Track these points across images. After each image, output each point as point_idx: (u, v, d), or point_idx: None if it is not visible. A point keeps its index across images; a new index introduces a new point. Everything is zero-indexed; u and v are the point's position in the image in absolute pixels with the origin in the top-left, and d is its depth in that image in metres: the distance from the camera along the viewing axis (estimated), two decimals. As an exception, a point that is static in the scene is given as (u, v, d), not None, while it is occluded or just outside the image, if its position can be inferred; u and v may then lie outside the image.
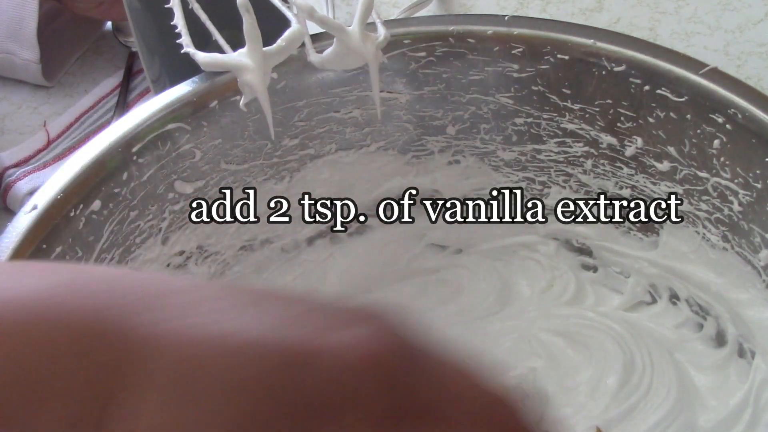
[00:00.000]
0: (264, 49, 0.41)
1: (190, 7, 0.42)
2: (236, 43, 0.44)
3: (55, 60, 0.75)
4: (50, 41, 0.73)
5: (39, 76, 0.72)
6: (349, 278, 0.59)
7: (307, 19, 0.41)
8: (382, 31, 0.44)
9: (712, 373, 0.51)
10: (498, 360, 0.55)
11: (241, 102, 0.42)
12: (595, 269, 0.58)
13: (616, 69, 0.48)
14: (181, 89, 0.50)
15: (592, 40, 0.49)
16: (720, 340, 0.52)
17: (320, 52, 0.44)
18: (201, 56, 0.41)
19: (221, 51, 0.43)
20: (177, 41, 0.42)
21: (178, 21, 0.42)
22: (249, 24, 0.39)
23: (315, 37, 0.45)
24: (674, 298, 0.54)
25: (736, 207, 0.47)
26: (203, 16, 0.42)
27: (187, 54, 0.42)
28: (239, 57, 0.41)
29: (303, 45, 0.45)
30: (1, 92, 0.76)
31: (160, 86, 0.56)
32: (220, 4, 0.43)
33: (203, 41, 0.42)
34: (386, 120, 0.54)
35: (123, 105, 0.72)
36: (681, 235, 0.51)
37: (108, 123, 0.70)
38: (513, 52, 0.50)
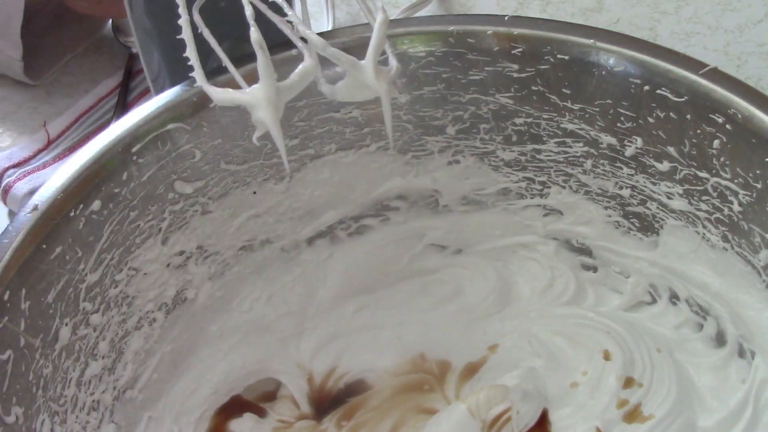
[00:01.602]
0: (277, 84, 0.41)
1: (199, 31, 0.42)
2: (238, 51, 0.44)
3: (41, 59, 0.75)
4: (36, 40, 0.74)
5: (21, 73, 0.73)
6: (349, 278, 0.59)
7: (320, 53, 0.41)
8: (393, 63, 0.44)
9: (712, 373, 0.51)
10: (498, 360, 0.55)
11: (254, 136, 0.42)
12: (595, 269, 0.58)
13: (616, 69, 0.48)
14: (181, 89, 0.50)
15: (592, 40, 0.49)
16: (720, 340, 0.52)
17: (331, 82, 0.44)
18: (215, 92, 0.42)
19: (221, 63, 0.42)
20: (190, 74, 0.42)
21: (191, 54, 0.42)
22: (263, 61, 0.40)
23: (324, 64, 0.45)
24: (674, 298, 0.54)
25: (736, 207, 0.47)
26: (212, 41, 0.42)
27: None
28: (252, 93, 0.41)
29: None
30: (1, 92, 0.76)
31: (160, 86, 0.56)
32: (221, 15, 0.43)
33: (204, 52, 0.42)
34: (386, 120, 0.55)
35: (123, 105, 0.72)
36: (681, 235, 0.51)
37: (108, 123, 0.70)
38: (513, 52, 0.50)
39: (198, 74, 0.42)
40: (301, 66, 0.42)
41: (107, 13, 0.75)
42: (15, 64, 0.72)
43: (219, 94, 0.42)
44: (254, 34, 0.39)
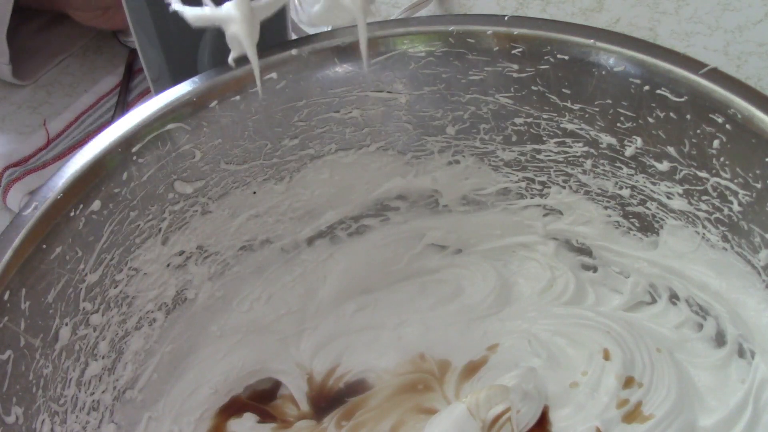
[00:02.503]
0: (252, 2, 0.40)
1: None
2: None
3: (32, 60, 0.75)
4: (27, 42, 0.74)
5: (9, 75, 0.73)
6: (349, 278, 0.59)
7: None
8: None
9: (712, 373, 0.51)
10: (498, 360, 0.55)
11: (230, 57, 0.42)
12: (594, 269, 0.58)
13: (616, 69, 0.48)
14: (181, 89, 0.50)
15: (592, 40, 0.49)
16: (720, 340, 0.52)
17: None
18: (189, 11, 0.41)
19: (236, 56, 0.42)
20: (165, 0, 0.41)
21: None
22: None
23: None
24: (674, 298, 0.54)
25: (735, 207, 0.47)
26: None
27: (187, 53, 0.42)
28: (227, 9, 0.40)
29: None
30: (1, 92, 0.76)
31: (160, 86, 0.56)
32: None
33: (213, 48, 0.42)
34: (386, 120, 0.54)
35: (123, 105, 0.72)
36: (681, 235, 0.51)
37: (108, 123, 0.70)
38: (513, 52, 0.50)
39: None
40: None
41: (110, 25, 0.75)
42: (2, 67, 0.72)
43: (193, 12, 0.41)
44: None
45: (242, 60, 0.45)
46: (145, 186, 0.49)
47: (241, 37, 0.40)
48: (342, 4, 0.41)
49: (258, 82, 0.42)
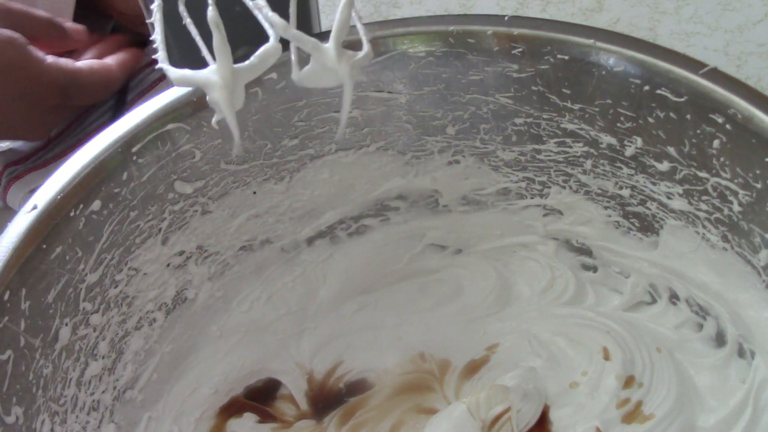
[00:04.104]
0: (235, 66, 0.39)
1: (183, 23, 0.42)
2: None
3: None
4: None
5: None
6: (349, 278, 0.59)
7: (281, 35, 0.40)
8: (366, 48, 0.42)
9: (712, 373, 0.51)
10: (498, 360, 0.55)
11: (213, 120, 0.41)
12: (595, 269, 0.58)
13: (616, 69, 0.48)
14: (181, 89, 0.50)
15: (592, 40, 0.49)
16: (720, 340, 0.52)
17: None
18: (172, 72, 0.40)
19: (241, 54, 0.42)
20: (153, 56, 0.41)
21: (157, 36, 0.41)
22: (218, 40, 0.38)
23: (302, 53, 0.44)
24: (674, 298, 0.54)
25: (735, 207, 0.47)
26: (194, 31, 0.42)
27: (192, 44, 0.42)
28: (208, 74, 0.40)
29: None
30: (1, 92, 0.76)
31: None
32: (236, 21, 0.43)
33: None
34: (386, 120, 0.54)
35: (123, 104, 0.72)
36: (681, 235, 0.51)
37: (108, 123, 0.70)
38: (513, 52, 0.50)
39: (161, 55, 0.41)
40: (262, 48, 0.40)
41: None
42: None
43: (175, 74, 0.41)
44: (211, 12, 0.38)
45: (243, 58, 0.45)
46: (145, 186, 0.49)
47: (221, 104, 0.39)
48: (329, 70, 0.41)
49: (236, 144, 0.42)
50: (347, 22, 0.41)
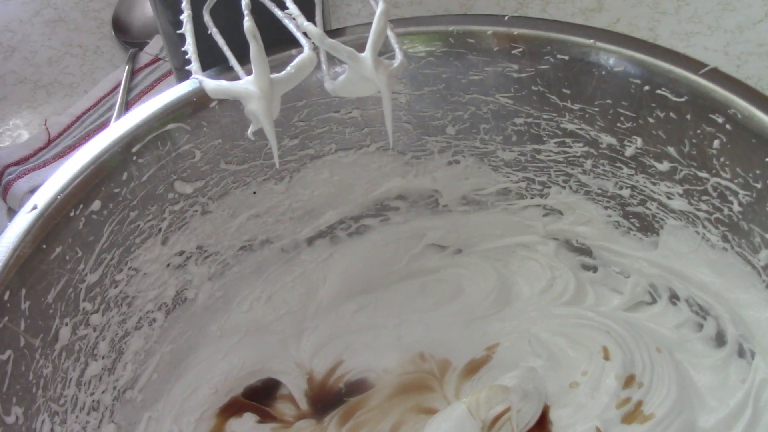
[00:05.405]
0: (272, 76, 0.39)
1: (209, 32, 0.42)
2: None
3: None
4: None
5: None
6: (349, 278, 0.59)
7: (317, 45, 0.40)
8: (399, 57, 0.42)
9: (712, 373, 0.51)
10: (498, 360, 0.55)
11: (249, 130, 0.41)
12: (595, 269, 0.58)
13: (616, 69, 0.48)
14: (181, 89, 0.50)
15: (592, 40, 0.49)
16: (720, 340, 0.52)
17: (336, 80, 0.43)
18: (208, 83, 0.41)
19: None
20: (186, 67, 0.41)
21: (189, 47, 0.41)
22: (256, 51, 0.38)
23: (334, 62, 0.43)
24: (674, 298, 0.54)
25: (735, 207, 0.47)
26: (221, 41, 0.42)
27: (211, 43, 0.42)
28: (246, 84, 0.40)
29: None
30: (2, 92, 0.77)
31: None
32: (270, 30, 0.42)
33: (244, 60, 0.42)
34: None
35: (123, 105, 0.72)
36: (681, 235, 0.51)
37: (108, 123, 0.70)
38: (513, 52, 0.50)
39: (194, 66, 0.41)
40: (298, 58, 0.40)
41: None
42: None
43: (212, 85, 0.41)
44: (247, 23, 0.38)
45: (245, 61, 0.45)
46: (145, 186, 0.49)
47: (260, 115, 0.39)
48: (366, 78, 0.40)
49: (275, 157, 0.41)
50: (383, 31, 0.41)
